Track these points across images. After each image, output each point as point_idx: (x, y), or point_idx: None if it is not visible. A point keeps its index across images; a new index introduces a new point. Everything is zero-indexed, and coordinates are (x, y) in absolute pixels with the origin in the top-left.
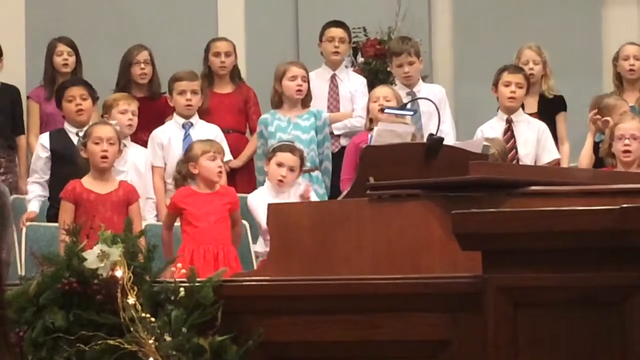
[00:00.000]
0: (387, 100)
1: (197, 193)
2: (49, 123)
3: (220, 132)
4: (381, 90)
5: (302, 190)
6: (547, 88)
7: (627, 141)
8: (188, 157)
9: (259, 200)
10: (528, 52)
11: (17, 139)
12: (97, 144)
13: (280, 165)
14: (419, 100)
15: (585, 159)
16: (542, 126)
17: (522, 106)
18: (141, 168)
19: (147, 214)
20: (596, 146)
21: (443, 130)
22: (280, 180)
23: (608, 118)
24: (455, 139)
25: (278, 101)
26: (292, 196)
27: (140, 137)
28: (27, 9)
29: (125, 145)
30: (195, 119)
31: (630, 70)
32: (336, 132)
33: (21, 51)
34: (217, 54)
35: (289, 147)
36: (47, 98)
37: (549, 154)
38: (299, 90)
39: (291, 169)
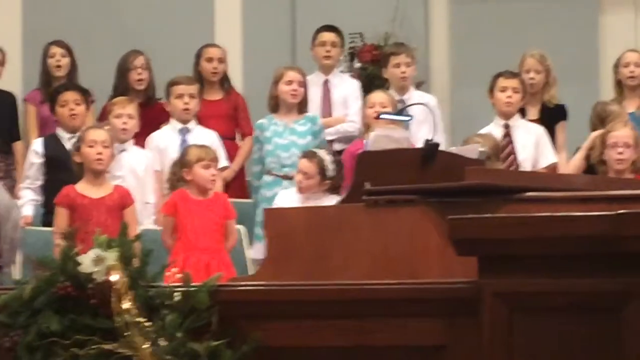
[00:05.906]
0: (384, 107)
1: (191, 199)
2: (44, 127)
3: (216, 138)
4: (377, 96)
5: None
6: (549, 97)
7: (620, 149)
8: (182, 162)
9: (286, 204)
10: (530, 60)
11: (14, 145)
12: (91, 146)
13: (299, 171)
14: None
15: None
16: (540, 130)
17: (523, 113)
18: (139, 172)
19: (145, 219)
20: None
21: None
22: (299, 186)
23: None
24: (448, 147)
25: (274, 105)
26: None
27: (137, 142)
28: (24, 13)
29: (124, 150)
30: (192, 124)
31: (631, 77)
32: (329, 138)
33: (18, 56)
34: (210, 60)
35: (307, 154)
36: (43, 101)
37: (546, 158)
38: (294, 95)
39: (305, 175)
